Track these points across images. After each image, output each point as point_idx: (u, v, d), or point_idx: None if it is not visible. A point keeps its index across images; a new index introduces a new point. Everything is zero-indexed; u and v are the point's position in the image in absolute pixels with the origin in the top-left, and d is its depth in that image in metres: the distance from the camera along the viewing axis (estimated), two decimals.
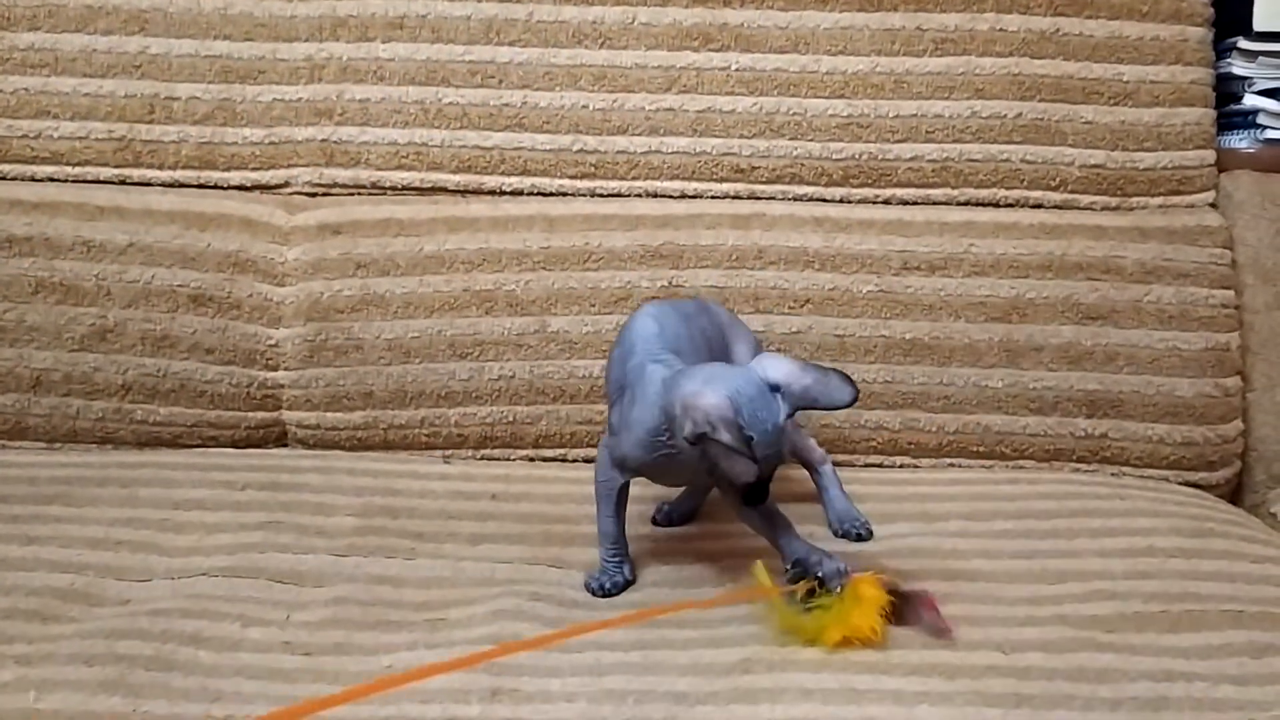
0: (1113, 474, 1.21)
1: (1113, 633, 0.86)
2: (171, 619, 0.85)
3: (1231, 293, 1.24)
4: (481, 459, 1.21)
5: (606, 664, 0.81)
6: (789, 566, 0.89)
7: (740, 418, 0.80)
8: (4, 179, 1.25)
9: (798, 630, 0.83)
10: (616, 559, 0.94)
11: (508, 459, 1.21)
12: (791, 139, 1.27)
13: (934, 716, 0.76)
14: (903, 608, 0.85)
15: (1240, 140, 1.34)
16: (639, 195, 1.28)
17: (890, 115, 1.27)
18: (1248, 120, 1.33)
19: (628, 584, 0.94)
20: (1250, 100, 1.33)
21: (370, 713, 0.76)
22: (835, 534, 1.03)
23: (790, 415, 0.83)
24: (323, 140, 1.27)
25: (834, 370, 0.84)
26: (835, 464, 1.21)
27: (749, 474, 0.80)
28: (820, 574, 0.86)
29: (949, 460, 1.22)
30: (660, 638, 0.84)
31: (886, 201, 1.28)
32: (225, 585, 0.91)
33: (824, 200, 1.28)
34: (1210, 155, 1.29)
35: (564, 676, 0.79)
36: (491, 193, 1.28)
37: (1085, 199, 1.28)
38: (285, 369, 1.21)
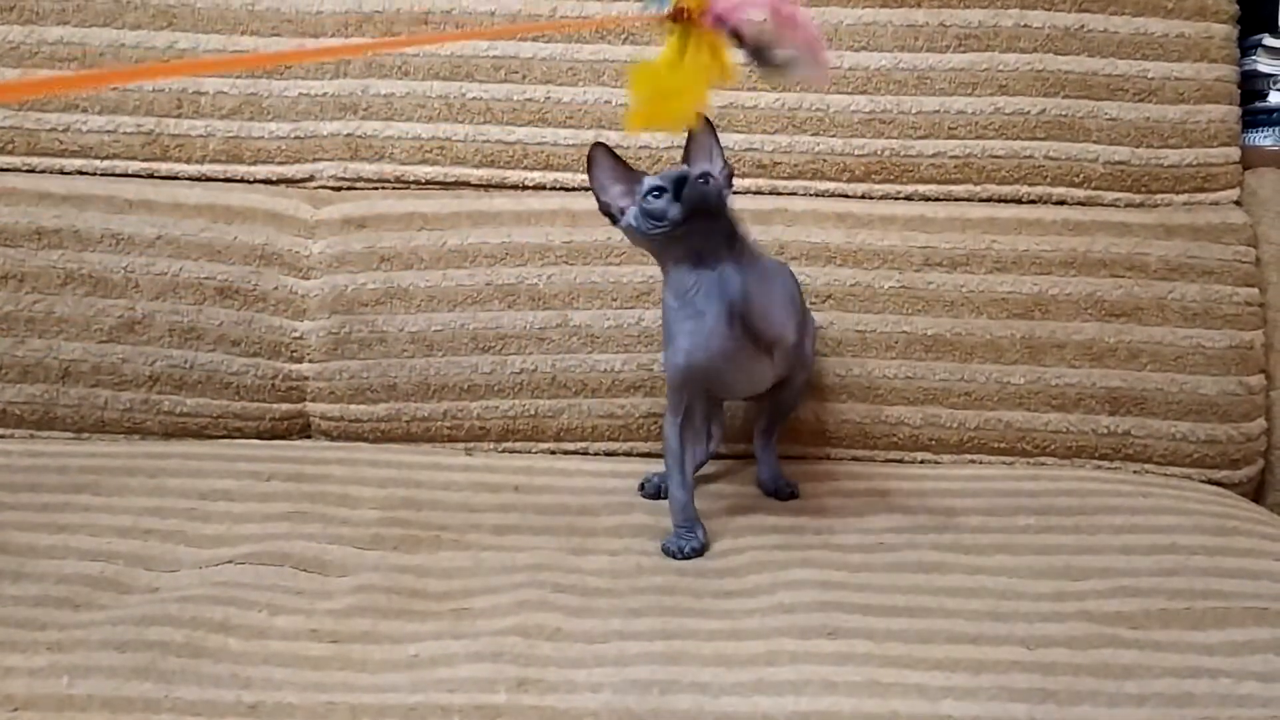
0: (1135, 471, 1.21)
1: (1137, 629, 0.86)
2: (200, 606, 0.86)
3: (1256, 290, 1.24)
4: (504, 452, 1.22)
5: (631, 655, 0.81)
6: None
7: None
8: (34, 172, 1.26)
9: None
10: (686, 525, 0.99)
11: (529, 452, 1.22)
12: (814, 135, 1.28)
13: (959, 711, 0.76)
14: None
15: (1265, 138, 1.33)
16: None
17: (913, 111, 1.27)
18: (1273, 118, 1.33)
19: (704, 548, 0.98)
20: (1275, 97, 1.33)
21: (397, 700, 0.76)
22: (768, 493, 1.12)
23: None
24: (347, 135, 1.28)
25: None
26: (855, 458, 1.23)
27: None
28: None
29: (970, 457, 1.22)
30: (685, 628, 0.85)
31: (909, 197, 1.28)
32: (252, 573, 0.92)
33: (846, 196, 1.28)
34: (1235, 152, 1.28)
35: (589, 667, 0.80)
36: (515, 187, 1.29)
37: (1109, 196, 1.28)
38: (310, 361, 1.22)
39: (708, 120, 0.97)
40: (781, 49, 0.80)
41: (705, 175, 0.96)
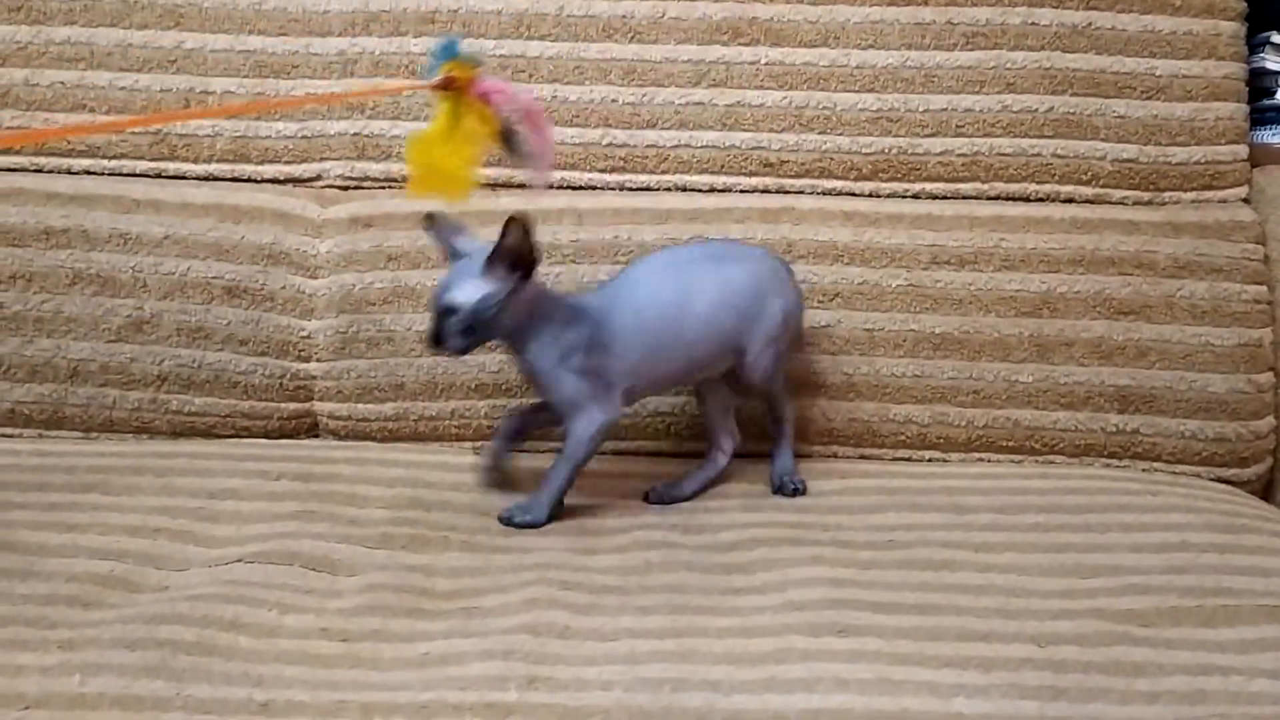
0: (1144, 470, 1.21)
1: (1148, 627, 0.86)
2: (211, 605, 0.86)
3: (1264, 288, 1.24)
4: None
5: (642, 652, 0.81)
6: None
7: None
8: (41, 172, 1.26)
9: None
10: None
11: (537, 451, 1.22)
12: (821, 133, 1.27)
13: (970, 708, 0.76)
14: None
15: (1273, 135, 1.33)
16: (668, 189, 1.28)
17: (920, 109, 1.27)
18: None
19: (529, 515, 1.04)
20: None
21: (409, 698, 0.76)
22: (774, 490, 1.12)
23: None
24: (355, 134, 1.28)
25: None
26: (864, 456, 1.22)
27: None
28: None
29: (978, 455, 1.22)
30: (695, 626, 0.85)
31: (916, 196, 1.28)
32: (261, 572, 0.92)
33: (853, 194, 1.28)
34: (1243, 150, 1.28)
35: (600, 665, 0.80)
36: (521, 186, 1.28)
37: (1117, 194, 1.28)
38: (317, 360, 1.22)
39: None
40: (523, 142, 0.94)
41: (451, 309, 0.98)
